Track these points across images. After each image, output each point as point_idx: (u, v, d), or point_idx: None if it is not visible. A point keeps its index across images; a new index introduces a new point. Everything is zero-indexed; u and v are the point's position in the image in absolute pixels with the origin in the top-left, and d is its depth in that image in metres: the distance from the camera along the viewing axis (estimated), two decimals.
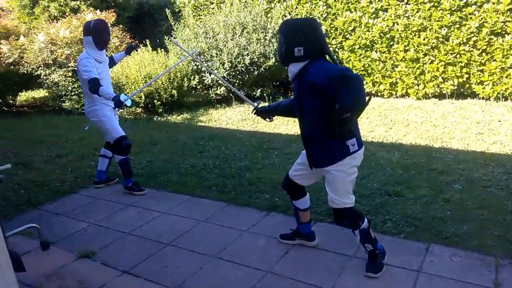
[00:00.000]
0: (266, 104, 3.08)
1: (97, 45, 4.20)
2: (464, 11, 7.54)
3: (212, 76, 8.62)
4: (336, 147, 2.67)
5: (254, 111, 3.18)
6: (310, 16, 2.90)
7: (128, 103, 3.97)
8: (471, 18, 7.52)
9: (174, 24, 9.66)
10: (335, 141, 2.65)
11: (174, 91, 8.28)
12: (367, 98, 2.58)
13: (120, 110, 4.02)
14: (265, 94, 8.97)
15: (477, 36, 7.52)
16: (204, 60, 8.73)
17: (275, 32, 8.67)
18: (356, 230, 2.81)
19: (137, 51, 8.25)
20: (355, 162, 2.75)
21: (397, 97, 8.61)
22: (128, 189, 4.45)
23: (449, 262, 2.89)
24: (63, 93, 9.01)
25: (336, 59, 2.70)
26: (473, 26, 7.47)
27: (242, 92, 8.92)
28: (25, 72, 9.04)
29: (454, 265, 2.86)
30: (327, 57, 2.73)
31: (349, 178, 2.75)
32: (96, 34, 4.16)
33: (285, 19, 8.14)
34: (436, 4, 7.74)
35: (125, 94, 4.04)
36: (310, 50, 2.63)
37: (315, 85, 2.56)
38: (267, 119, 3.20)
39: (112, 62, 4.77)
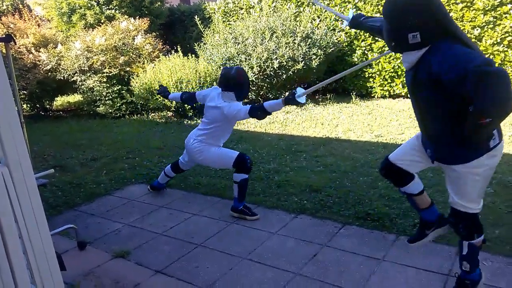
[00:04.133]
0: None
1: (238, 99, 3.81)
2: (499, 10, 7.37)
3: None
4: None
5: None
6: None
7: (303, 100, 3.34)
8: (506, 17, 7.34)
9: (204, 30, 9.82)
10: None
11: None
12: None
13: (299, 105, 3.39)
14: None
15: (511, 36, 7.34)
16: (233, 64, 8.84)
17: (304, 35, 8.70)
18: (467, 241, 2.42)
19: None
20: (494, 162, 2.23)
21: None
22: (238, 213, 3.93)
23: (480, 267, 2.85)
24: (97, 98, 9.30)
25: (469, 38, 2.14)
26: (508, 25, 7.30)
27: (271, 96, 8.99)
28: (62, 78, 9.39)
29: (485, 269, 2.81)
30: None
31: (482, 182, 2.28)
32: (239, 88, 3.78)
33: (312, 23, 8.08)
34: (468, 4, 7.60)
35: (302, 88, 3.39)
36: (429, 34, 2.10)
37: (440, 78, 2.04)
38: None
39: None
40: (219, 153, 3.94)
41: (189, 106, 8.34)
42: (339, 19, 9.35)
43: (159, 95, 3.82)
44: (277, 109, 3.58)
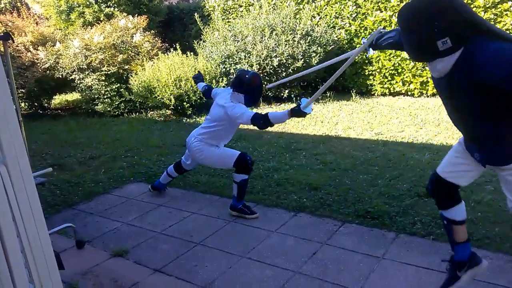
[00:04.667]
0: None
1: (247, 104, 3.75)
2: (500, 7, 7.36)
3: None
4: None
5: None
6: None
7: (309, 110, 3.32)
8: (506, 14, 7.33)
9: (203, 28, 9.80)
10: None
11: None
12: None
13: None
14: (292, 95, 9.00)
15: None
16: (232, 62, 8.83)
17: (303, 33, 8.68)
18: None
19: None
20: None
21: (428, 96, 8.47)
22: (237, 211, 3.91)
23: None
24: (96, 96, 9.29)
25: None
26: (508, 23, 7.29)
27: (270, 94, 8.98)
28: (60, 76, 9.37)
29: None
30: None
31: None
32: (251, 92, 3.71)
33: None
34: (469, 1, 7.59)
35: (305, 98, 3.42)
36: (460, 36, 1.89)
37: (487, 82, 1.86)
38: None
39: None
40: (220, 153, 3.91)
41: (188, 105, 8.33)
42: (339, 17, 9.34)
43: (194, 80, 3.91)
44: (281, 121, 3.56)
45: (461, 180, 2.34)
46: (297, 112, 3.31)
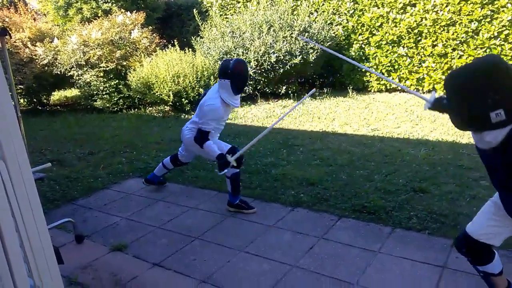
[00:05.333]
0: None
1: (235, 91, 3.75)
2: (496, 3, 7.38)
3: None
4: None
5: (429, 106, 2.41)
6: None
7: (234, 164, 3.59)
8: (503, 11, 7.35)
9: (201, 24, 9.80)
10: None
11: (201, 90, 8.41)
12: None
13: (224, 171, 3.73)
14: (290, 91, 9.02)
15: (509, 30, 7.35)
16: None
17: (301, 29, 8.68)
18: None
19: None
20: None
21: (424, 93, 8.49)
22: (235, 207, 3.95)
23: None
24: (94, 92, 9.29)
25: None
26: (505, 19, 7.31)
27: (268, 91, 8.99)
28: (59, 72, 9.36)
29: None
30: None
31: None
32: (237, 78, 3.71)
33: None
34: None
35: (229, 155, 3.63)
36: None
37: None
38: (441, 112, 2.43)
39: None
40: (214, 146, 3.93)
41: (187, 101, 8.34)
42: (337, 13, 9.34)
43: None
44: (207, 155, 3.83)
45: (495, 239, 2.21)
46: (221, 159, 3.62)
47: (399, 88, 2.68)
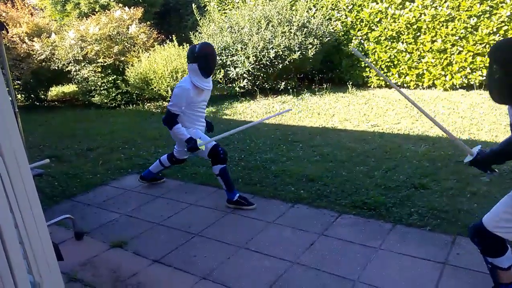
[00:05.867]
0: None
1: (203, 74, 3.83)
2: None
3: (237, 69, 8.65)
4: None
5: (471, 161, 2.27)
6: None
7: (203, 149, 3.80)
8: (502, 6, 7.33)
9: (200, 19, 9.75)
10: None
11: None
12: None
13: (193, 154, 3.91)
14: (289, 87, 8.99)
15: (508, 25, 7.33)
16: (229, 54, 8.79)
17: (300, 25, 8.65)
18: None
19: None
20: None
21: (423, 89, 8.49)
22: (233, 204, 3.93)
23: (476, 255, 2.85)
24: (92, 88, 9.25)
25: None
26: (504, 14, 7.29)
27: (267, 86, 8.96)
28: (56, 68, 9.31)
29: (480, 258, 2.81)
30: None
31: None
32: (203, 61, 3.78)
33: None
34: None
35: (200, 140, 3.86)
36: None
37: None
38: (489, 172, 2.26)
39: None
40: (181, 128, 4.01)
41: None
42: (336, 8, 9.30)
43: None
44: (178, 137, 3.93)
45: (510, 235, 2.16)
46: (190, 142, 3.78)
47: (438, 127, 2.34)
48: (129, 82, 8.82)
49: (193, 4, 10.08)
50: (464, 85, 8.02)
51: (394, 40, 8.56)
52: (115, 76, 9.13)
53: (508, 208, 2.13)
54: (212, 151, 3.86)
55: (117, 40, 9.20)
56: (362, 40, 9.06)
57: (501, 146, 2.11)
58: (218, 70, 8.84)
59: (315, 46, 8.60)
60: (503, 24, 7.36)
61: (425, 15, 8.03)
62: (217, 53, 8.80)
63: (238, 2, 10.34)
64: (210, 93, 4.13)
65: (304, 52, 8.56)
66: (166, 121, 3.92)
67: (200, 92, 3.92)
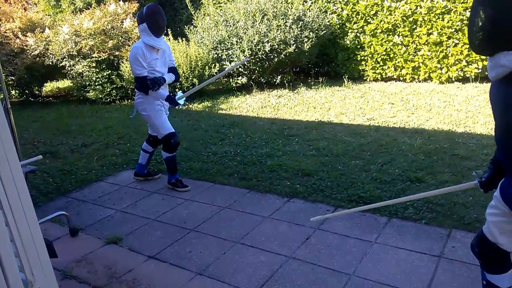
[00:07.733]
0: None
1: (153, 32, 3.95)
2: None
3: (233, 64, 8.62)
4: None
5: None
6: None
7: (182, 102, 4.07)
8: None
9: (195, 13, 9.69)
10: None
11: (195, 80, 8.34)
12: None
13: (178, 106, 4.15)
14: (285, 81, 8.96)
15: None
16: (224, 48, 8.75)
17: (295, 18, 8.61)
18: None
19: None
20: None
21: (419, 82, 8.47)
22: (172, 185, 4.34)
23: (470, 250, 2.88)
24: (87, 83, 9.18)
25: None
26: None
27: (263, 80, 8.93)
28: (50, 63, 9.24)
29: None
30: None
31: None
32: (151, 19, 3.92)
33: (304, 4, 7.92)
34: None
35: (181, 92, 4.18)
36: None
37: None
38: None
39: None
40: (158, 122, 4.18)
41: (180, 91, 8.25)
42: (331, 1, 9.25)
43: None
44: (156, 97, 4.08)
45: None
46: (170, 100, 4.05)
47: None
48: (124, 77, 8.76)
49: None
50: (460, 78, 8.02)
51: (390, 33, 8.53)
52: (109, 71, 9.06)
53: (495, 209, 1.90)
54: (166, 138, 4.16)
55: (112, 34, 9.12)
56: (358, 33, 9.03)
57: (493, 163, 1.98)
58: (213, 64, 8.79)
59: (310, 40, 8.56)
60: None
61: (421, 7, 8.00)
62: (212, 47, 8.79)
63: None
64: (166, 57, 4.26)
65: (299, 46, 8.53)
66: (141, 87, 4.05)
67: (153, 50, 4.04)
